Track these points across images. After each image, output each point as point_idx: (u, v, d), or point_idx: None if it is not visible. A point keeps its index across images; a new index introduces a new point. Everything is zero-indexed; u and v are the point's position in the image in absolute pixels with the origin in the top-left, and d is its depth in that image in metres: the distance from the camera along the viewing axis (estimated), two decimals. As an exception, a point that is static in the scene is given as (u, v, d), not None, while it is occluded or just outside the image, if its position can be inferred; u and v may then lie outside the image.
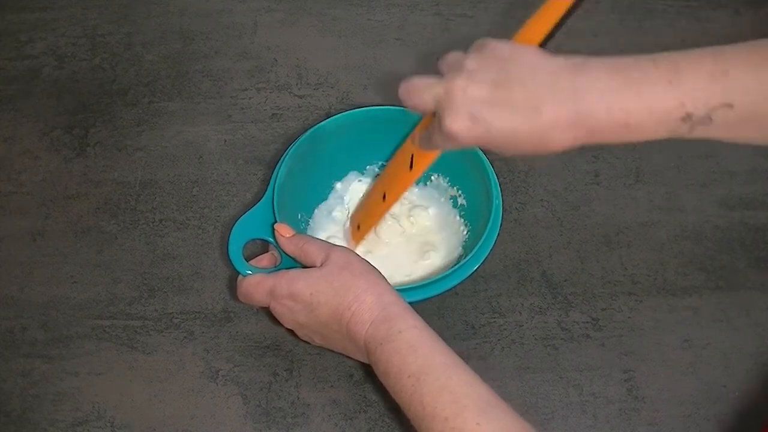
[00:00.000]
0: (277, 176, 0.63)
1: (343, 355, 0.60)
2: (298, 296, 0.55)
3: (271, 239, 0.61)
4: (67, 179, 0.75)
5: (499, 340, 0.66)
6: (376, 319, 0.52)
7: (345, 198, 0.72)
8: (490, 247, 0.62)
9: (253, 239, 0.61)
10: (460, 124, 0.47)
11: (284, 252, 0.60)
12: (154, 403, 0.63)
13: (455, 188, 0.70)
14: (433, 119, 0.51)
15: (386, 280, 0.56)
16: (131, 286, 0.69)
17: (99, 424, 0.62)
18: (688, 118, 0.45)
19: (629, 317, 0.67)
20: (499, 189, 0.64)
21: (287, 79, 0.81)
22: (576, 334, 0.66)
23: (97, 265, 0.70)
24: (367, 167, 0.72)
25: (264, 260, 0.62)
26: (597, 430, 0.62)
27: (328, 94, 0.80)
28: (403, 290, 0.59)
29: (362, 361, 0.57)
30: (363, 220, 0.67)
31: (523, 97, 0.46)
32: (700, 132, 0.46)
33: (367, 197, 0.70)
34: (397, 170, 0.62)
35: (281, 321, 0.59)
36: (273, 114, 0.79)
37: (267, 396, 0.63)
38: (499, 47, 0.48)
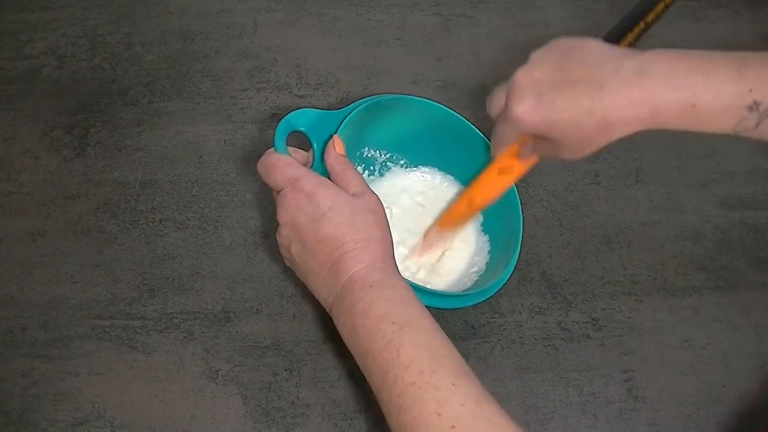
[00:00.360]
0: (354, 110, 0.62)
1: (308, 292, 0.58)
2: (316, 200, 0.53)
3: (315, 144, 0.60)
4: (67, 179, 0.75)
5: (499, 340, 0.66)
6: (375, 266, 0.51)
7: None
8: (513, 267, 0.62)
9: (302, 132, 0.60)
10: (525, 106, 0.48)
11: (326, 163, 0.57)
12: (154, 403, 0.63)
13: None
14: (498, 122, 0.53)
15: (390, 246, 0.55)
16: (131, 286, 0.69)
17: (99, 424, 0.62)
18: (755, 107, 0.45)
19: (629, 317, 0.67)
20: (519, 205, 0.64)
21: (287, 79, 0.81)
22: (576, 334, 0.66)
23: (97, 265, 0.70)
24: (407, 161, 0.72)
25: (299, 155, 0.60)
26: (597, 430, 0.62)
27: (328, 94, 0.80)
28: (423, 293, 0.59)
29: (320, 297, 0.55)
30: (445, 223, 0.66)
31: (587, 77, 0.46)
32: (766, 127, 0.46)
33: (452, 204, 0.68)
34: (485, 178, 0.61)
35: (279, 211, 0.55)
36: (273, 114, 0.79)
37: (267, 396, 0.63)
38: (562, 40, 0.50)
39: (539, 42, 0.85)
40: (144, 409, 0.63)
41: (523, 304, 0.68)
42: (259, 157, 0.57)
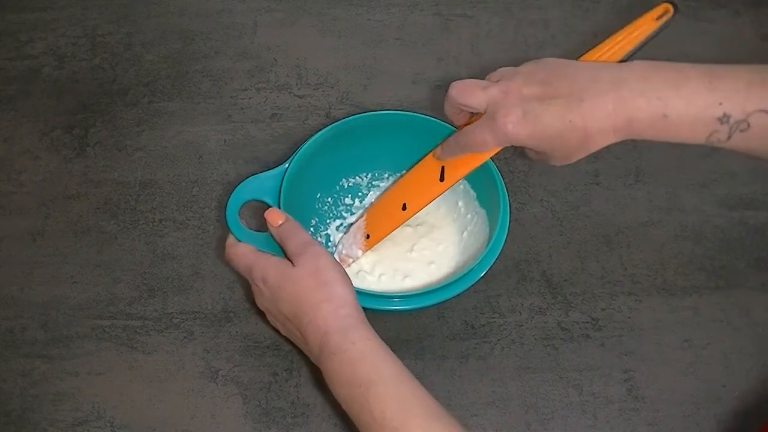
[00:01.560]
0: (299, 152, 0.64)
1: None
2: (268, 284, 0.56)
3: (272, 204, 0.62)
4: (67, 179, 0.75)
5: (499, 340, 0.66)
6: (330, 330, 0.52)
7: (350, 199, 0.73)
8: (497, 254, 0.62)
9: (257, 200, 0.62)
10: (513, 119, 0.50)
11: (273, 236, 0.60)
12: (154, 403, 0.63)
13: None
14: (477, 121, 0.54)
15: (351, 286, 0.55)
16: (131, 286, 0.69)
17: (99, 424, 0.62)
18: (725, 118, 0.47)
19: (629, 317, 0.67)
20: (506, 197, 0.64)
21: (287, 79, 0.81)
22: (576, 334, 0.66)
23: (97, 265, 0.70)
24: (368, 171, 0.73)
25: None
26: (597, 430, 0.62)
27: (328, 94, 0.80)
28: (409, 297, 0.59)
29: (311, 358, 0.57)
30: (376, 229, 0.67)
31: (568, 91, 0.49)
32: (738, 140, 0.48)
33: (382, 206, 0.69)
34: (422, 181, 0.63)
35: (256, 301, 0.60)
36: (273, 114, 0.79)
37: (267, 396, 0.63)
38: (551, 59, 0.53)
39: (539, 42, 0.86)
40: (144, 409, 0.63)
41: (523, 304, 0.68)
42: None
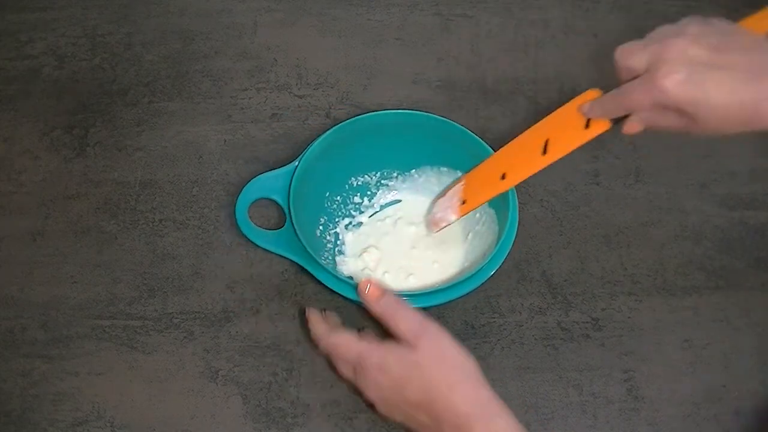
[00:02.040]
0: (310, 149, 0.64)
1: None
2: (389, 373, 0.52)
3: (284, 206, 0.61)
4: (67, 179, 0.75)
5: (499, 340, 0.66)
6: (471, 415, 0.49)
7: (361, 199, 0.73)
8: (506, 255, 0.62)
9: (265, 198, 0.62)
10: (676, 79, 0.46)
11: (371, 312, 0.56)
12: (154, 403, 0.63)
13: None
14: (636, 79, 0.50)
15: (475, 362, 0.53)
16: (131, 286, 0.69)
17: (99, 424, 0.62)
18: None
19: (629, 317, 0.67)
20: (516, 198, 0.64)
21: (287, 79, 0.81)
22: (576, 334, 0.66)
23: (97, 265, 0.70)
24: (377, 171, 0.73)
25: (330, 318, 0.60)
26: (597, 430, 0.62)
27: (328, 94, 0.80)
28: (415, 296, 0.59)
29: None
30: (472, 195, 0.64)
31: (745, 64, 0.46)
32: None
33: (481, 172, 0.66)
34: (525, 152, 0.60)
35: (365, 392, 0.54)
36: (273, 114, 0.79)
37: (267, 396, 0.63)
38: (722, 21, 0.49)
39: (539, 42, 0.86)
40: (144, 409, 0.63)
41: (523, 304, 0.68)
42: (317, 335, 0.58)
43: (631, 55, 0.50)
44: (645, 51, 0.49)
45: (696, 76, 0.46)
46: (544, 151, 0.58)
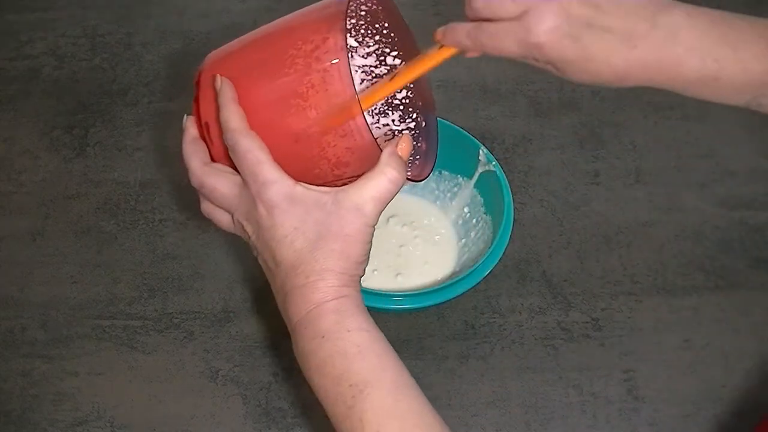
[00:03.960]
0: None
1: None
2: (277, 217, 0.45)
3: None
4: (67, 179, 0.75)
5: (499, 340, 0.66)
6: (326, 306, 0.44)
7: None
8: (500, 255, 0.62)
9: None
10: (553, 36, 0.45)
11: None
12: (154, 403, 0.63)
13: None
14: (503, 23, 0.47)
15: (363, 266, 0.47)
16: (131, 286, 0.69)
17: (99, 424, 0.62)
18: None
19: (629, 317, 0.67)
20: (511, 202, 0.64)
21: (287, 79, 0.81)
22: (576, 334, 0.66)
23: (97, 265, 0.70)
24: None
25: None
26: (597, 430, 0.62)
27: (328, 94, 0.80)
28: (410, 296, 0.59)
29: (283, 317, 0.49)
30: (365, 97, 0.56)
31: (622, 27, 0.45)
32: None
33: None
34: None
35: (219, 215, 0.49)
36: (273, 114, 0.79)
37: (267, 396, 0.63)
38: None
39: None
40: (144, 409, 0.63)
41: (523, 304, 0.68)
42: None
43: (498, 3, 0.47)
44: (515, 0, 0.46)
45: (576, 36, 0.45)
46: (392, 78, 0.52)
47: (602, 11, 0.45)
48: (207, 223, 0.72)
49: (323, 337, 0.44)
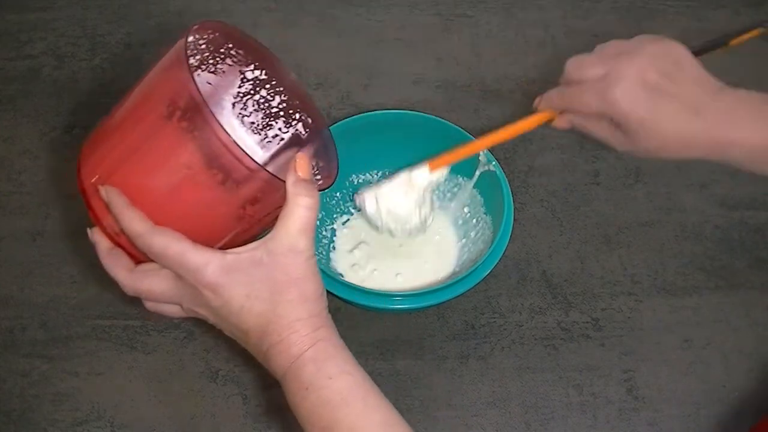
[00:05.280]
0: None
1: None
2: (225, 294, 0.45)
3: None
4: (67, 179, 0.75)
5: (499, 340, 0.66)
6: (304, 356, 0.45)
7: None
8: (500, 256, 0.62)
9: None
10: (627, 94, 0.50)
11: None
12: (154, 403, 0.63)
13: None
14: (588, 83, 0.53)
15: (320, 278, 0.47)
16: (131, 286, 0.69)
17: (99, 424, 0.62)
18: None
19: (629, 317, 0.67)
20: (511, 202, 0.64)
21: (287, 79, 0.81)
22: (576, 334, 0.66)
23: (97, 265, 0.69)
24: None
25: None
26: (597, 430, 0.62)
27: (328, 94, 0.80)
28: (410, 296, 0.59)
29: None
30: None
31: (690, 97, 0.50)
32: None
33: None
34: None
35: (198, 312, 0.48)
36: (273, 114, 0.79)
37: (267, 396, 0.63)
38: (675, 46, 0.52)
39: (539, 42, 0.86)
40: (144, 409, 0.63)
41: (523, 304, 0.68)
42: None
43: (586, 67, 0.53)
44: (600, 64, 0.52)
45: (649, 97, 0.50)
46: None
47: (672, 79, 0.51)
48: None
49: (307, 389, 0.44)
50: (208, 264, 0.44)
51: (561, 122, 0.57)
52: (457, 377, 0.64)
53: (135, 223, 0.44)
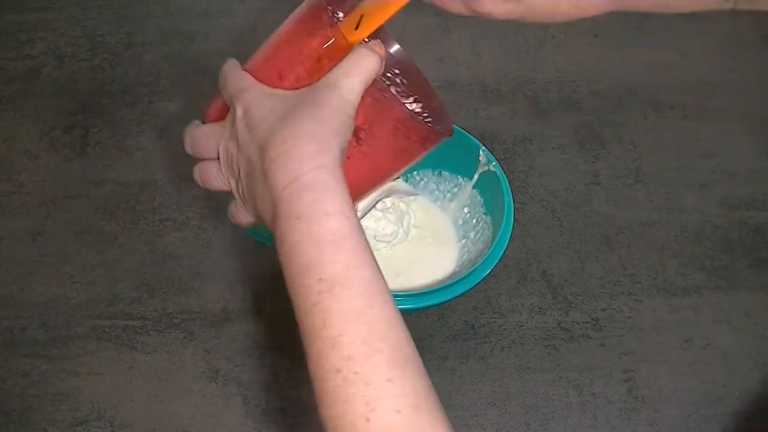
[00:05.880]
0: None
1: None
2: (252, 108, 0.43)
3: None
4: (67, 179, 0.75)
5: (499, 340, 0.66)
6: (303, 179, 0.39)
7: None
8: (500, 256, 0.62)
9: None
10: None
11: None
12: (154, 403, 0.63)
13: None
14: None
15: (342, 140, 0.42)
16: (131, 286, 0.69)
17: (99, 424, 0.62)
18: None
19: (629, 317, 0.67)
20: (512, 202, 0.64)
21: (287, 79, 0.81)
22: (576, 334, 0.66)
23: (97, 265, 0.70)
24: None
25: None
26: (597, 430, 0.62)
27: (328, 94, 0.80)
28: (410, 296, 0.59)
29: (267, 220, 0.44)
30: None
31: None
32: (745, 2, 0.44)
33: None
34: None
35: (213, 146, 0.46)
36: (273, 114, 0.79)
37: (267, 396, 0.63)
38: None
39: (539, 42, 0.86)
40: (144, 409, 0.63)
41: (523, 304, 0.68)
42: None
43: None
44: None
45: None
46: (357, 27, 0.49)
47: None
48: (207, 222, 0.72)
49: (298, 218, 0.39)
50: (254, 86, 0.45)
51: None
52: (457, 377, 0.64)
53: (229, 65, 0.49)
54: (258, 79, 0.47)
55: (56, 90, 0.81)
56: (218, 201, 0.73)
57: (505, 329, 0.67)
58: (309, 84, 0.45)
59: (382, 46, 0.46)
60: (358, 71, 0.43)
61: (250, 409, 0.63)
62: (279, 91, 0.45)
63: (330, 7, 0.47)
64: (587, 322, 0.67)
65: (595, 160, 0.76)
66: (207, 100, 0.73)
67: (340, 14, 0.51)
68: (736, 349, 0.66)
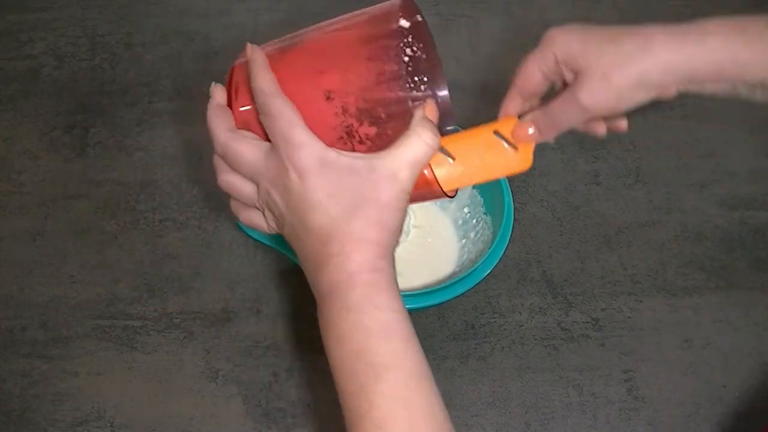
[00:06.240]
0: None
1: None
2: (309, 182, 0.42)
3: None
4: (67, 179, 0.75)
5: (499, 340, 0.66)
6: (359, 277, 0.41)
7: None
8: (500, 256, 0.62)
9: None
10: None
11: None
12: (154, 403, 0.63)
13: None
14: (557, 98, 0.50)
15: (397, 237, 0.44)
16: (131, 286, 0.69)
17: (99, 424, 0.62)
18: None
19: (629, 317, 0.67)
20: (511, 202, 0.64)
21: (287, 79, 0.81)
22: (576, 334, 0.66)
23: (97, 265, 0.70)
24: None
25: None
26: (597, 430, 0.62)
27: (328, 94, 0.80)
28: (410, 296, 0.59)
29: (311, 285, 0.45)
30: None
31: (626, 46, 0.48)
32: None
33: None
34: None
35: (273, 205, 0.45)
36: (273, 114, 0.79)
37: (267, 396, 0.63)
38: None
39: (539, 42, 0.85)
40: (144, 409, 0.63)
41: (523, 304, 0.68)
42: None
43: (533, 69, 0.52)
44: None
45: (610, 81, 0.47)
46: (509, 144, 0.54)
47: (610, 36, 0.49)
48: (207, 222, 0.72)
49: (349, 309, 0.41)
50: (309, 146, 0.42)
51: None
52: (457, 377, 0.64)
53: (266, 80, 0.44)
54: (292, 80, 0.45)
55: (56, 90, 0.81)
56: (218, 201, 0.73)
57: (505, 329, 0.67)
58: (355, 127, 0.44)
59: (438, 133, 0.45)
60: (419, 164, 0.43)
61: (250, 409, 0.63)
62: (334, 157, 0.42)
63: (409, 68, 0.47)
64: (587, 322, 0.67)
65: (595, 160, 0.76)
66: (207, 100, 0.73)
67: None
68: (736, 349, 0.66)
